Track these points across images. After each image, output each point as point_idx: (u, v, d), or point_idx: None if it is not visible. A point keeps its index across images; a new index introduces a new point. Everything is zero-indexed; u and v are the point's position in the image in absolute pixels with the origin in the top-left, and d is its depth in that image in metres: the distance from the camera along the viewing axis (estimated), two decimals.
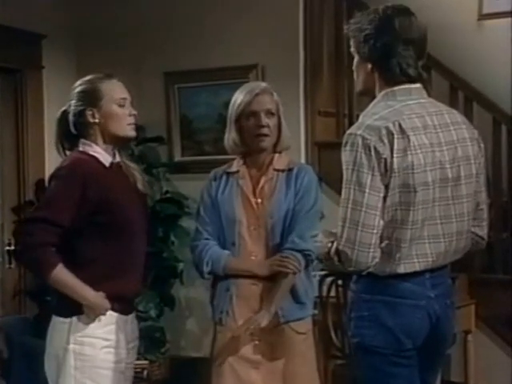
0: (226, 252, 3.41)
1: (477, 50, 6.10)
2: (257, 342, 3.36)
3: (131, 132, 3.23)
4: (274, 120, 3.43)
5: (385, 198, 2.62)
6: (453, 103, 5.20)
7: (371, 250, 2.62)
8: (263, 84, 3.56)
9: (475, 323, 5.28)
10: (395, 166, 2.61)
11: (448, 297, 2.84)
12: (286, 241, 3.36)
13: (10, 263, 5.55)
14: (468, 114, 5.17)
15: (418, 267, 2.70)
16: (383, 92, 2.76)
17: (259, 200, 3.42)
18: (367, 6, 2.92)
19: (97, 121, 3.18)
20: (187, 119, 5.92)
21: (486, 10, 6.24)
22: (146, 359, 5.23)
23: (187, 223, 5.52)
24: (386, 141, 2.62)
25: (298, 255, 3.32)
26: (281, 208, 3.38)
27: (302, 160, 5.43)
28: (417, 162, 2.64)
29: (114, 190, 3.16)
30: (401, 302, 2.70)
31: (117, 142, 3.25)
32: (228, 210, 3.42)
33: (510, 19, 5.80)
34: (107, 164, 3.21)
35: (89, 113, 3.18)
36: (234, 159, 3.53)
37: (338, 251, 2.64)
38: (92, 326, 3.09)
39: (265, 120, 3.39)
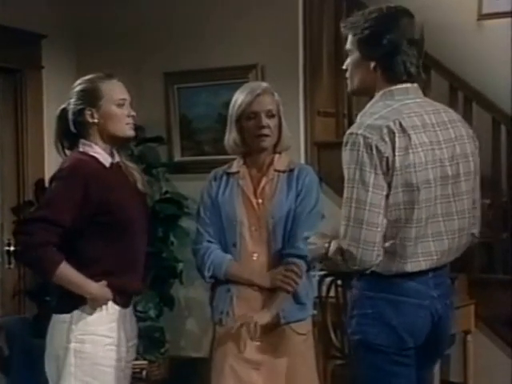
0: (228, 257, 3.40)
1: (476, 49, 6.11)
2: (257, 343, 3.36)
3: (130, 131, 3.24)
4: (274, 120, 3.42)
5: (387, 196, 2.63)
6: (452, 103, 5.21)
7: (375, 248, 2.63)
8: (264, 84, 3.55)
9: (475, 323, 5.27)
10: (397, 164, 2.62)
11: (448, 297, 2.85)
12: (288, 244, 3.36)
13: (9, 263, 5.54)
14: (467, 114, 5.17)
15: (423, 266, 2.70)
16: (381, 92, 2.77)
17: (260, 200, 3.42)
18: (366, 6, 2.92)
19: (96, 121, 3.19)
20: (187, 119, 5.91)
21: (485, 10, 6.25)
22: (145, 359, 5.22)
23: (187, 223, 5.53)
24: (387, 139, 2.62)
25: (302, 262, 3.31)
26: (282, 208, 3.38)
27: (302, 160, 5.42)
28: (418, 160, 2.65)
29: (115, 190, 3.16)
30: (405, 301, 2.70)
31: (116, 142, 3.26)
32: (229, 211, 3.41)
33: (509, 19, 5.80)
34: (107, 164, 3.21)
35: (88, 113, 3.18)
36: (233, 159, 3.53)
37: (339, 251, 2.65)
38: (93, 323, 3.10)
39: (265, 121, 3.39)
